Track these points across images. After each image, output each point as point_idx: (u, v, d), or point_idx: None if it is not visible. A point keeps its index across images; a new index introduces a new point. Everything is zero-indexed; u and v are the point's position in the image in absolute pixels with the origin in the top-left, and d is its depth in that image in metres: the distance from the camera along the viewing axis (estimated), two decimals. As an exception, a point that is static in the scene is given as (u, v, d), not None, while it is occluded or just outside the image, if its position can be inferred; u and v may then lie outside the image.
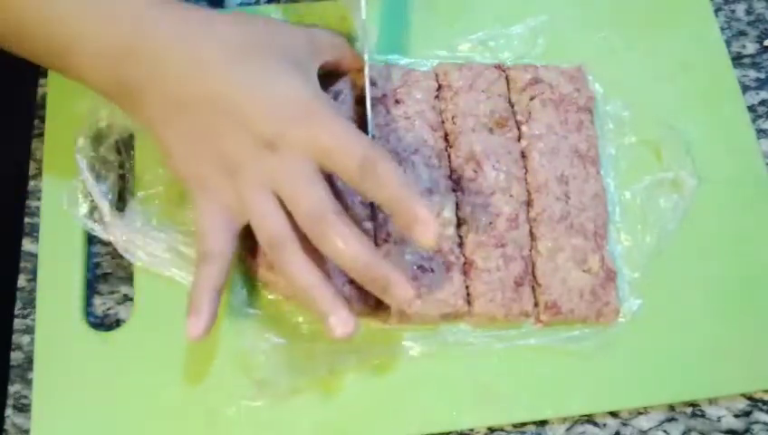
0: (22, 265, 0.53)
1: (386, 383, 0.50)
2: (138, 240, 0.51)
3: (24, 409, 0.50)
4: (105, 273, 0.53)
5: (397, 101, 0.55)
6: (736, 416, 0.52)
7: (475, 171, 0.53)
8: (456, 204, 0.53)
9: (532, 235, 0.53)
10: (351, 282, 0.49)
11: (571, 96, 0.56)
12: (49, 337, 0.50)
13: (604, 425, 0.51)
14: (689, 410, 0.52)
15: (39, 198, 0.54)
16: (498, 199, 0.53)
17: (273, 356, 0.50)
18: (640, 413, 0.52)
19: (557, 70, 0.57)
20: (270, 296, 0.52)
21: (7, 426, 0.50)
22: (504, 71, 0.57)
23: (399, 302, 0.47)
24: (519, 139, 0.55)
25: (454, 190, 0.53)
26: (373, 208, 0.52)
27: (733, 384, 0.52)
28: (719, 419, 0.52)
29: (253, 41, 0.48)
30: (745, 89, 0.61)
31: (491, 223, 0.52)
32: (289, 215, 0.47)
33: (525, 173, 0.54)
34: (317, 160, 0.46)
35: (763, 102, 0.61)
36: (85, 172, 0.53)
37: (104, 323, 0.52)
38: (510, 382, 0.50)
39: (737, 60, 0.62)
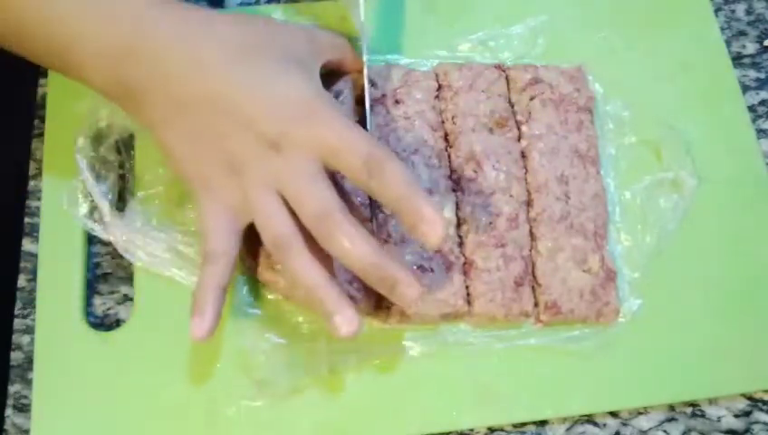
0: (22, 265, 0.53)
1: (386, 383, 0.50)
2: (138, 240, 0.51)
3: (23, 409, 0.50)
4: (105, 273, 0.53)
5: (397, 102, 0.55)
6: (736, 416, 0.52)
7: (475, 171, 0.53)
8: (456, 204, 0.53)
9: (532, 235, 0.53)
10: (351, 282, 0.49)
11: (571, 96, 0.56)
12: (49, 337, 0.50)
13: (604, 425, 0.51)
14: (689, 410, 0.52)
15: (39, 198, 0.54)
16: (498, 199, 0.53)
17: (273, 356, 0.50)
18: (640, 413, 0.52)
19: (557, 70, 0.57)
20: (270, 296, 0.52)
21: (7, 426, 0.50)
22: (504, 71, 0.57)
23: (407, 301, 0.47)
24: (519, 139, 0.55)
25: (454, 190, 0.53)
26: (373, 209, 0.52)
27: (733, 384, 0.52)
28: (719, 419, 0.52)
29: (253, 41, 0.48)
30: (745, 89, 0.61)
31: (491, 223, 0.52)
32: (294, 215, 0.47)
33: (525, 173, 0.54)
34: (321, 160, 0.46)
35: (763, 102, 0.61)
36: (85, 172, 0.53)
37: (104, 323, 0.52)
38: (510, 382, 0.50)
39: (737, 60, 0.62)
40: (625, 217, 0.55)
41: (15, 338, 0.52)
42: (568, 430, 0.51)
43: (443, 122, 0.55)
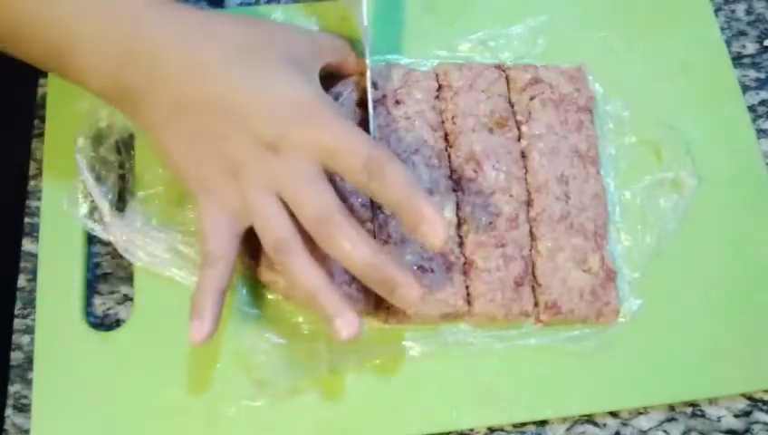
0: (22, 265, 0.53)
1: (386, 383, 0.50)
2: (138, 240, 0.51)
3: (24, 409, 0.50)
4: (105, 273, 0.53)
5: (397, 102, 0.55)
6: (736, 416, 0.52)
7: (475, 171, 0.53)
8: (456, 204, 0.53)
9: (532, 235, 0.53)
10: (351, 282, 0.49)
11: (571, 96, 0.56)
12: (49, 337, 0.50)
13: (604, 425, 0.51)
14: (689, 410, 0.52)
15: (39, 198, 0.54)
16: (498, 199, 0.53)
17: (273, 356, 0.50)
18: (640, 413, 0.52)
19: (557, 70, 0.57)
20: (270, 296, 0.52)
21: (7, 426, 0.50)
22: (504, 71, 0.57)
23: (407, 303, 0.46)
24: (519, 139, 0.55)
25: (454, 190, 0.53)
26: (374, 210, 0.52)
27: (733, 384, 0.52)
28: (719, 419, 0.52)
29: (252, 41, 0.48)
30: (745, 89, 0.61)
31: (491, 223, 0.52)
32: (293, 217, 0.46)
33: (525, 173, 0.54)
34: (321, 161, 0.46)
35: (763, 102, 0.61)
36: (85, 172, 0.53)
37: (104, 323, 0.52)
38: (510, 382, 0.50)
39: (737, 60, 0.62)
40: (625, 217, 0.55)
41: (15, 338, 0.52)
42: (568, 430, 0.51)
43: (443, 122, 0.55)
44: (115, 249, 0.52)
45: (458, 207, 0.53)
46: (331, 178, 0.48)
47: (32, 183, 0.55)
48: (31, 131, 0.56)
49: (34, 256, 0.53)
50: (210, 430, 0.49)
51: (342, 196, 0.50)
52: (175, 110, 0.47)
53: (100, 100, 0.49)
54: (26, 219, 0.54)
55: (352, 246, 0.45)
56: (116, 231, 0.52)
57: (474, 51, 0.59)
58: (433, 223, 0.45)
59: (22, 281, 0.53)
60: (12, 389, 0.50)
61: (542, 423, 0.51)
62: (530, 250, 0.52)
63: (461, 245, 0.52)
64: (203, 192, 0.48)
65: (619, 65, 0.59)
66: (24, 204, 0.55)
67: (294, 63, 0.48)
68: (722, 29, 0.62)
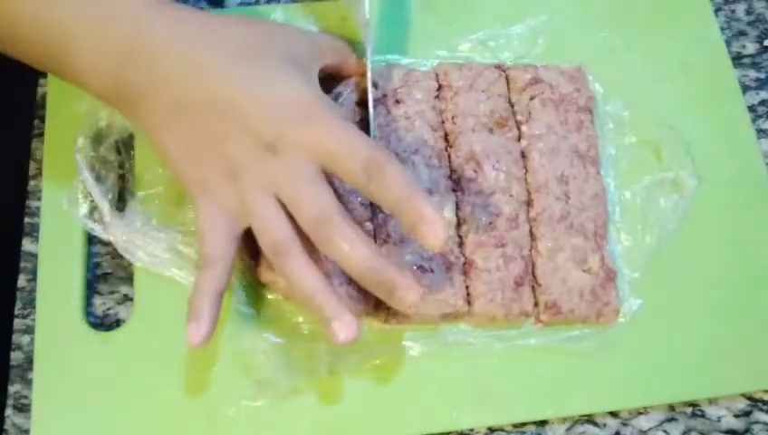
0: (22, 265, 0.53)
1: (386, 383, 0.50)
2: (138, 240, 0.51)
3: (24, 409, 0.50)
4: (105, 273, 0.53)
5: (397, 102, 0.55)
6: (736, 416, 0.52)
7: (475, 171, 0.53)
8: (456, 204, 0.53)
9: (532, 235, 0.53)
10: (351, 282, 0.49)
11: (571, 96, 0.56)
12: (49, 337, 0.50)
13: (604, 425, 0.51)
14: (689, 410, 0.52)
15: (39, 198, 0.54)
16: (498, 199, 0.53)
17: (273, 356, 0.50)
18: (640, 413, 0.52)
19: (557, 70, 0.57)
20: (270, 296, 0.52)
21: (7, 426, 0.50)
22: (504, 71, 0.57)
23: (406, 305, 0.46)
24: (519, 139, 0.55)
25: (454, 190, 0.53)
26: (373, 209, 0.51)
27: (733, 384, 0.52)
28: (719, 419, 0.52)
29: (252, 42, 0.48)
30: (745, 89, 0.61)
31: (491, 223, 0.52)
32: (291, 218, 0.46)
33: (525, 173, 0.54)
34: (319, 162, 0.46)
35: (763, 102, 0.61)
36: (85, 172, 0.52)
37: (104, 323, 0.52)
38: (510, 382, 0.50)
39: (737, 60, 0.62)
40: (625, 217, 0.55)
41: (15, 338, 0.52)
42: (568, 430, 0.51)
43: (443, 122, 0.55)
44: (115, 249, 0.52)
45: (458, 207, 0.53)
46: (330, 179, 0.48)
47: (32, 183, 0.55)
48: (31, 131, 0.56)
49: (34, 256, 0.53)
50: (210, 430, 0.49)
51: (341, 195, 0.50)
52: (174, 110, 0.47)
53: (100, 101, 0.49)
54: (26, 219, 0.54)
55: (351, 247, 0.45)
56: (116, 231, 0.52)
57: (474, 51, 0.59)
58: (432, 223, 0.44)
59: (22, 281, 0.53)
60: (12, 389, 0.50)
61: (542, 423, 0.51)
62: (530, 250, 0.52)
63: (461, 245, 0.52)
64: (202, 192, 0.48)
65: (619, 65, 0.59)
66: (23, 204, 0.55)
67: (294, 64, 0.48)
68: (722, 29, 0.62)
